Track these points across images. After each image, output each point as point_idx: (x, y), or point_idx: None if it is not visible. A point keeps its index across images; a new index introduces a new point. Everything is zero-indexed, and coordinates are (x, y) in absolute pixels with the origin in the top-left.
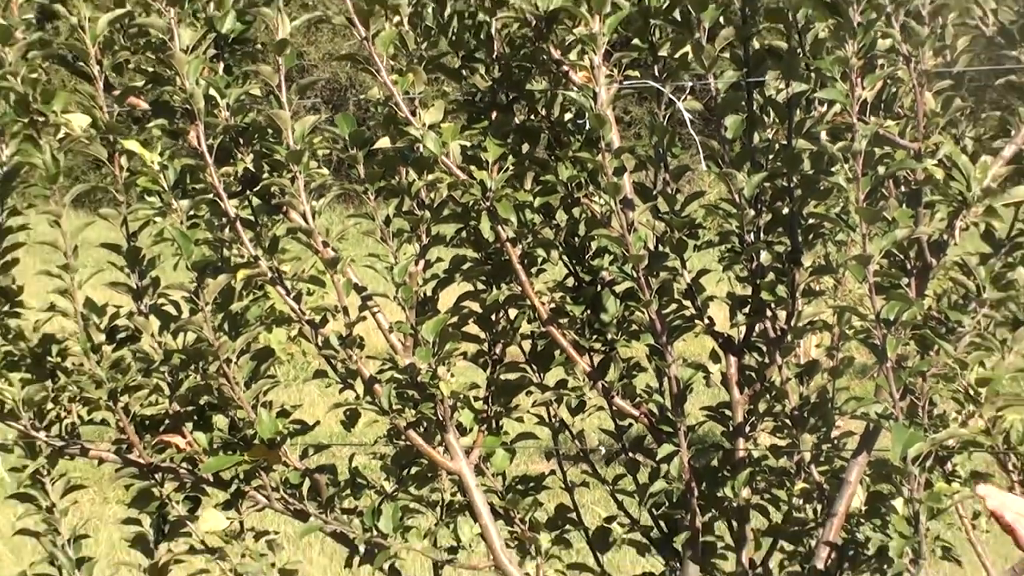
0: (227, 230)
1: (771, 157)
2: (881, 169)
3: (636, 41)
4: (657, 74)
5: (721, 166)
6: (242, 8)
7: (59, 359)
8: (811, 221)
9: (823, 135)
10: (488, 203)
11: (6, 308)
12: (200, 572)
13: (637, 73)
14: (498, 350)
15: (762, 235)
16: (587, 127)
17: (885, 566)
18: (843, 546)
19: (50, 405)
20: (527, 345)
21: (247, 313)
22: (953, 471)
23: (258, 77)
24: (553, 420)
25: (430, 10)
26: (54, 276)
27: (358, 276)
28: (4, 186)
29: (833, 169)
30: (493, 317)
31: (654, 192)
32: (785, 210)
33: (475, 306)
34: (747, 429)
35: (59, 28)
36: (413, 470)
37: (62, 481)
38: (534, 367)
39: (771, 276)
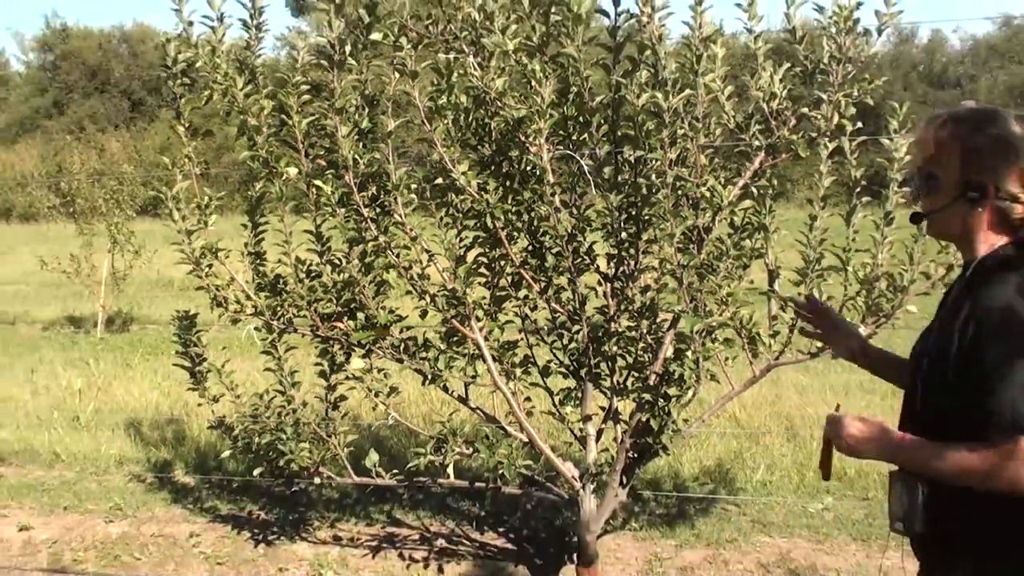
0: (363, 223)
1: (627, 186)
2: (679, 192)
3: (561, 131)
4: (571, 147)
5: (602, 191)
6: (370, 116)
7: (283, 285)
8: (646, 217)
9: (653, 175)
10: (490, 209)
11: (258, 261)
12: (351, 388)
13: (561, 146)
14: (495, 281)
15: (622, 225)
16: (538, 173)
17: (683, 383)
18: (663, 373)
19: (278, 309)
20: (509, 279)
21: (374, 264)
22: (715, 338)
23: (379, 150)
24: (521, 314)
25: (461, 117)
26: (279, 245)
27: (427, 245)
28: (258, 204)
29: (657, 192)
30: (493, 265)
31: (571, 204)
32: (634, 212)
33: (484, 260)
34: (616, 317)
35: (286, 126)
36: (454, 338)
37: (285, 344)
38: (513, 289)
39: (627, 244)
